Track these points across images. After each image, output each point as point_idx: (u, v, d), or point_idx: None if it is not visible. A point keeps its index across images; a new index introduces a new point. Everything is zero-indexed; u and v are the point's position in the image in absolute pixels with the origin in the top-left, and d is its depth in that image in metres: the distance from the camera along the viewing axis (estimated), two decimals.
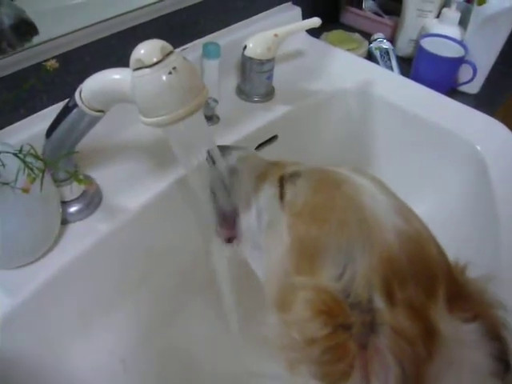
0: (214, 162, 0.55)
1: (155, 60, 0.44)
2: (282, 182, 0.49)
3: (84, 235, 0.63)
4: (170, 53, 0.45)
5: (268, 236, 0.49)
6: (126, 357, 0.70)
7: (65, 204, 0.63)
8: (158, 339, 0.75)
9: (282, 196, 0.48)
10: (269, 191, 0.51)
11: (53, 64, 0.48)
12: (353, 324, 0.37)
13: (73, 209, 0.64)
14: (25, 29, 0.63)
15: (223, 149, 0.56)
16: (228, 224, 0.57)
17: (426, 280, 0.39)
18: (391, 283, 0.38)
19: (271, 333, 0.43)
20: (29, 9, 0.62)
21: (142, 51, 0.45)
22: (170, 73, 0.44)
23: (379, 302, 0.37)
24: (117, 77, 0.49)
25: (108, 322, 0.68)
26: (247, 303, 0.64)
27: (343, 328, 0.37)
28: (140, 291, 0.72)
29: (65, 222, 0.63)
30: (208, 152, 0.55)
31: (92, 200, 0.65)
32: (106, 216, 0.65)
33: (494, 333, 0.40)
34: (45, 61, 0.49)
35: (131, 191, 0.68)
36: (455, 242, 0.47)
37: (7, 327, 0.55)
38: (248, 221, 0.53)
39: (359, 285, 0.38)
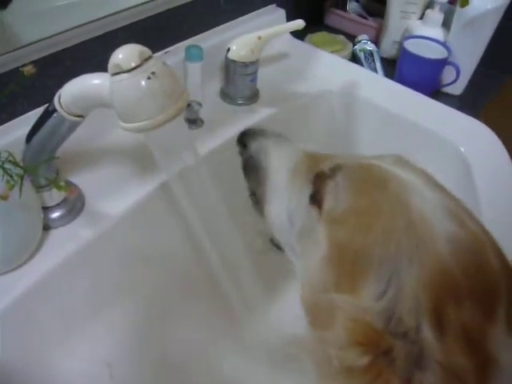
0: (244, 146, 0.52)
1: (133, 65, 0.44)
2: (318, 183, 0.44)
3: (66, 241, 0.62)
4: (149, 57, 0.45)
5: (303, 243, 0.45)
6: (113, 363, 0.70)
7: (46, 210, 0.62)
8: (145, 345, 0.75)
9: (319, 202, 0.43)
10: (303, 191, 0.46)
11: (30, 69, 0.47)
12: (396, 355, 0.33)
13: (55, 214, 0.63)
14: None
15: (254, 132, 0.54)
16: (260, 205, 0.53)
17: (483, 298, 0.33)
18: (443, 304, 0.32)
19: (303, 346, 0.40)
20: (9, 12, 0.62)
21: (120, 56, 0.44)
22: (149, 78, 0.44)
23: (427, 330, 0.32)
24: (96, 82, 0.48)
25: (94, 328, 0.67)
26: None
27: (385, 359, 0.33)
28: (126, 296, 0.72)
29: (47, 227, 0.62)
30: (239, 135, 0.53)
31: (74, 205, 0.64)
32: (89, 221, 0.64)
33: None
34: (22, 66, 0.48)
35: (114, 196, 0.67)
36: None
37: None
38: (280, 223, 0.49)
39: (405, 306, 0.33)
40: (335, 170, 0.43)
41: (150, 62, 0.45)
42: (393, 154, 0.45)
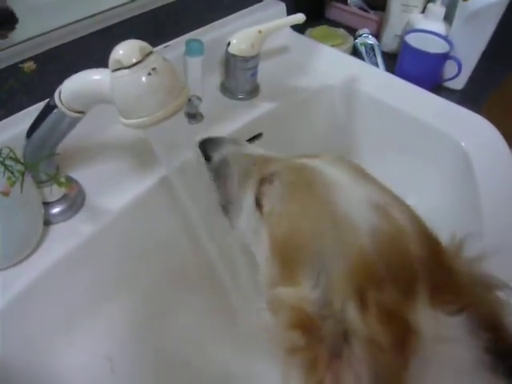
0: (207, 157, 0.54)
1: (134, 61, 0.44)
2: (259, 189, 0.48)
3: (67, 236, 0.62)
4: (150, 53, 0.45)
5: (254, 242, 0.49)
6: (114, 356, 0.70)
7: (47, 205, 0.62)
8: (145, 339, 0.75)
9: (260, 203, 0.47)
10: (250, 196, 0.50)
11: (30, 66, 0.47)
12: (326, 335, 0.36)
13: (55, 210, 0.63)
14: (5, 18, 0.61)
15: (215, 141, 0.55)
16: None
17: (402, 279, 0.37)
18: (364, 287, 0.37)
19: (264, 328, 0.43)
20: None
21: (121, 51, 0.44)
22: (150, 74, 0.44)
23: (352, 311, 0.36)
24: (96, 77, 0.48)
25: (95, 322, 0.68)
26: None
27: (317, 340, 0.36)
28: (127, 290, 0.72)
29: (47, 223, 0.62)
30: (199, 146, 0.54)
31: (75, 201, 0.64)
32: (90, 216, 0.64)
33: (488, 322, 0.38)
34: (22, 62, 0.48)
35: (114, 191, 0.67)
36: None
37: None
38: (241, 225, 0.52)
39: (332, 292, 0.38)
40: (272, 174, 0.48)
41: (151, 58, 0.44)
42: (330, 155, 0.49)
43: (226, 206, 0.55)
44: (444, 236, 0.44)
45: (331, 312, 0.37)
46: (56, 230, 0.63)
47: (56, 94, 0.51)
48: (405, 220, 0.41)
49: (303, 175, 0.46)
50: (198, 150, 0.55)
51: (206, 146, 0.56)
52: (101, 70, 0.48)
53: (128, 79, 0.44)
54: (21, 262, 0.58)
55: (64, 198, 0.63)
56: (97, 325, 0.68)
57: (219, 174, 0.55)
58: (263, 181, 0.48)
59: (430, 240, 0.41)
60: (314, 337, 0.36)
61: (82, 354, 0.65)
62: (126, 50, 0.44)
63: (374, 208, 0.40)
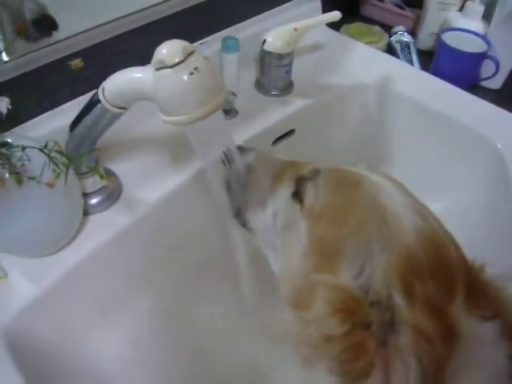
0: (229, 162, 0.56)
1: (177, 60, 0.45)
2: (300, 184, 0.49)
3: (104, 226, 0.64)
4: (192, 53, 0.46)
5: (284, 237, 0.50)
6: (143, 346, 0.72)
7: (86, 196, 0.64)
8: (175, 328, 0.77)
9: (300, 197, 0.48)
10: (286, 192, 0.51)
11: (77, 63, 0.49)
12: (372, 322, 0.37)
13: (94, 200, 0.65)
14: (46, 24, 0.64)
15: (240, 149, 0.57)
16: (242, 217, 0.58)
17: (444, 278, 0.39)
18: (410, 281, 0.38)
19: (287, 329, 0.44)
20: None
21: (164, 51, 0.45)
22: (192, 73, 0.45)
23: (398, 300, 0.37)
24: (138, 75, 0.50)
25: (126, 312, 0.70)
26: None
27: (362, 326, 0.37)
28: (158, 281, 0.74)
29: (86, 213, 0.64)
30: (224, 151, 0.56)
31: (112, 192, 0.67)
32: (126, 208, 0.66)
33: (510, 333, 0.40)
34: (69, 57, 0.50)
35: (150, 184, 0.69)
36: (473, 241, 0.47)
37: (30, 315, 0.57)
38: (263, 221, 0.53)
39: (378, 283, 0.39)
40: (315, 173, 0.49)
41: (193, 58, 0.46)
42: (364, 164, 0.51)
43: (240, 209, 0.57)
44: (478, 240, 0.45)
45: (376, 299, 0.38)
46: (94, 220, 0.65)
47: (100, 90, 0.53)
48: (441, 228, 0.44)
49: (348, 175, 0.47)
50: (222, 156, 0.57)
51: (230, 152, 0.57)
52: (144, 67, 0.50)
53: (170, 78, 0.45)
54: (60, 249, 0.61)
55: (102, 189, 0.65)
56: (128, 314, 0.70)
57: (244, 177, 0.56)
58: (302, 179, 0.50)
59: (461, 250, 0.44)
60: (359, 322, 0.37)
61: (114, 342, 0.68)
62: (168, 50, 0.45)
63: (417, 213, 0.42)
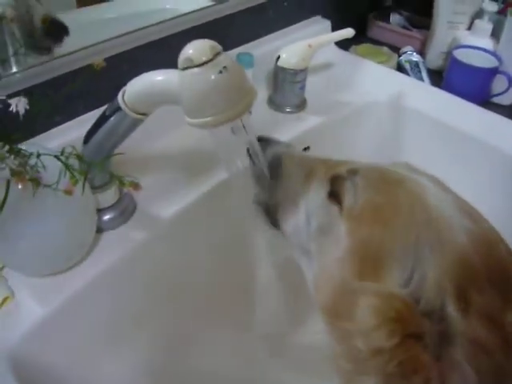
0: (257, 159, 0.52)
1: (205, 59, 0.43)
2: (336, 183, 0.46)
3: (118, 244, 0.61)
4: (219, 52, 0.45)
5: (320, 241, 0.46)
6: (151, 374, 0.68)
7: (99, 212, 0.62)
8: (184, 358, 0.73)
9: (337, 198, 0.45)
10: (320, 194, 0.47)
11: (100, 63, 0.47)
12: (425, 333, 0.34)
13: (107, 217, 0.63)
14: (56, 29, 0.63)
15: (267, 142, 0.54)
16: (272, 216, 0.54)
17: (501, 284, 0.36)
18: (465, 288, 0.35)
19: (324, 342, 0.41)
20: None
21: (191, 50, 0.44)
22: (221, 72, 0.43)
23: (453, 310, 0.34)
24: (161, 78, 0.48)
25: (135, 336, 0.66)
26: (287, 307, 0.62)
27: (414, 338, 0.34)
28: (170, 304, 0.70)
29: (99, 230, 0.62)
30: (248, 148, 0.52)
31: (126, 208, 0.64)
32: (140, 224, 0.64)
33: None
34: (84, 69, 0.48)
35: (165, 199, 0.67)
36: None
37: (37, 336, 0.54)
38: (295, 224, 0.50)
39: (430, 290, 0.35)
40: (352, 172, 0.45)
41: (221, 57, 0.44)
42: (401, 162, 0.47)
43: (273, 208, 0.53)
44: None
45: (430, 309, 0.35)
46: (107, 237, 0.62)
47: (119, 95, 0.51)
48: (492, 230, 0.40)
49: (389, 174, 0.44)
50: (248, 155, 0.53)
51: (262, 144, 0.54)
52: (164, 70, 0.48)
53: (198, 77, 0.43)
54: (71, 267, 0.58)
55: (116, 205, 0.63)
56: (141, 339, 0.67)
57: (272, 173, 0.53)
58: (337, 178, 0.46)
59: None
60: (412, 333, 0.34)
61: (125, 367, 0.64)
62: (196, 49, 0.43)
63: (465, 213, 0.39)
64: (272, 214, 0.53)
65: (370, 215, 0.41)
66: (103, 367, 0.62)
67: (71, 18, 0.74)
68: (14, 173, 0.40)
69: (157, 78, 0.48)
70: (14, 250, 0.53)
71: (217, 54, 0.44)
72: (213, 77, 0.43)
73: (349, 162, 0.48)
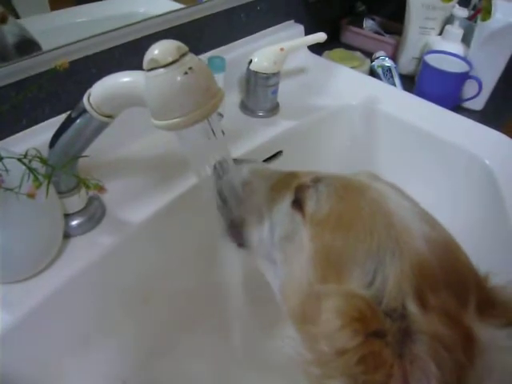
0: (222, 174, 0.53)
1: (170, 59, 0.42)
2: (300, 192, 0.47)
3: (86, 250, 0.60)
4: (186, 53, 0.44)
5: (285, 248, 0.47)
6: (128, 379, 0.67)
7: (67, 217, 0.60)
8: (158, 363, 0.72)
9: (301, 206, 0.46)
10: (284, 202, 0.49)
11: (64, 63, 0.46)
12: (387, 331, 0.35)
13: (75, 222, 0.61)
14: (27, 47, 0.62)
15: (235, 161, 0.54)
16: (237, 233, 0.54)
17: (457, 286, 0.38)
18: (424, 289, 0.36)
19: (291, 348, 0.41)
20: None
21: (157, 51, 0.43)
22: (186, 73, 0.42)
23: (413, 309, 0.36)
24: (127, 79, 0.47)
25: (107, 344, 0.65)
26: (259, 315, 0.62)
27: (377, 336, 0.35)
28: (142, 312, 0.69)
29: (66, 235, 0.60)
30: (216, 163, 0.53)
31: (95, 213, 0.63)
32: (110, 230, 0.63)
33: None
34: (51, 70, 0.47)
35: (135, 204, 0.65)
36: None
37: (4, 343, 0.52)
38: (260, 234, 0.50)
39: (391, 291, 0.36)
40: (315, 180, 0.47)
41: (187, 58, 0.43)
42: (365, 170, 0.49)
43: (238, 222, 0.54)
44: (471, 256, 0.44)
45: (391, 309, 0.36)
46: (75, 242, 0.61)
47: (85, 97, 0.49)
48: (450, 236, 0.42)
49: (351, 182, 0.46)
50: (215, 167, 0.54)
51: (223, 164, 0.54)
52: (132, 72, 0.47)
53: (164, 78, 0.42)
54: (38, 273, 0.56)
55: (84, 210, 0.62)
56: (108, 347, 0.65)
57: (234, 192, 0.54)
58: (301, 187, 0.47)
59: (467, 256, 0.42)
60: (374, 332, 0.35)
61: (93, 377, 0.63)
62: (162, 49, 0.43)
63: (424, 219, 0.41)
64: (237, 229, 0.53)
65: (332, 221, 0.42)
66: (71, 378, 0.60)
67: (43, 21, 0.74)
68: None
69: (123, 79, 0.48)
70: None
71: (183, 55, 0.43)
72: (178, 78, 0.42)
73: (314, 173, 0.49)
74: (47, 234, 0.55)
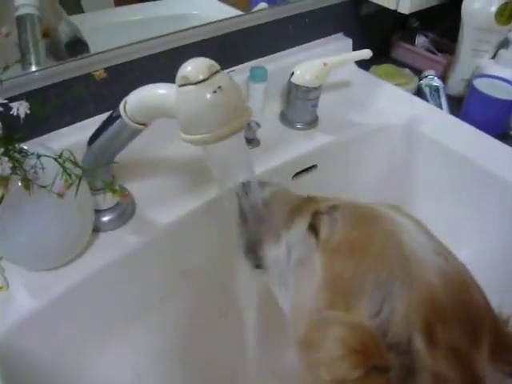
0: (246, 193, 0.54)
1: (201, 78, 0.44)
2: (316, 217, 0.47)
3: (114, 245, 0.63)
4: (217, 72, 0.45)
5: (298, 272, 0.47)
6: (142, 372, 0.69)
7: (98, 212, 0.63)
8: (176, 359, 0.74)
9: (316, 231, 0.46)
10: (301, 226, 0.49)
11: (101, 73, 0.48)
12: (390, 366, 0.34)
13: (105, 218, 0.64)
14: (78, 47, 0.65)
15: (259, 182, 0.55)
16: (255, 253, 0.55)
17: (469, 325, 0.36)
18: (432, 324, 0.35)
19: (294, 371, 0.42)
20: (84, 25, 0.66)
21: (189, 68, 0.44)
22: (215, 91, 0.44)
23: (419, 344, 0.34)
24: (161, 92, 0.49)
25: (128, 336, 0.67)
26: (271, 331, 0.62)
27: (379, 370, 0.34)
28: (163, 308, 0.72)
29: (96, 230, 0.63)
30: (243, 182, 0.55)
31: (125, 211, 0.65)
32: (138, 228, 0.65)
33: None
34: (94, 70, 0.50)
35: (165, 206, 0.67)
36: (500, 289, 0.45)
37: (28, 328, 0.55)
38: (276, 255, 0.51)
39: (398, 323, 0.35)
40: (332, 208, 0.47)
41: (218, 76, 0.45)
42: (387, 202, 0.48)
43: (255, 244, 0.54)
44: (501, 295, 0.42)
45: (396, 342, 0.35)
46: (104, 237, 0.63)
47: (121, 105, 0.52)
48: (466, 272, 0.41)
49: (367, 210, 0.45)
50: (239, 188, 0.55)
51: (248, 184, 0.55)
52: (167, 84, 0.49)
53: (193, 95, 0.44)
54: (66, 264, 0.59)
55: (116, 206, 0.64)
56: (129, 339, 0.68)
57: (255, 211, 0.54)
58: (318, 213, 0.47)
59: (487, 298, 0.40)
60: (376, 366, 0.34)
61: (112, 366, 0.65)
62: (194, 67, 0.44)
63: (438, 253, 0.40)
64: (254, 249, 0.54)
65: (344, 249, 0.42)
66: (90, 365, 0.63)
67: (105, 16, 0.77)
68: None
69: (157, 91, 0.49)
70: (10, 244, 0.55)
71: (214, 73, 0.45)
72: (207, 96, 0.44)
73: (333, 199, 0.50)
74: (77, 228, 0.58)
